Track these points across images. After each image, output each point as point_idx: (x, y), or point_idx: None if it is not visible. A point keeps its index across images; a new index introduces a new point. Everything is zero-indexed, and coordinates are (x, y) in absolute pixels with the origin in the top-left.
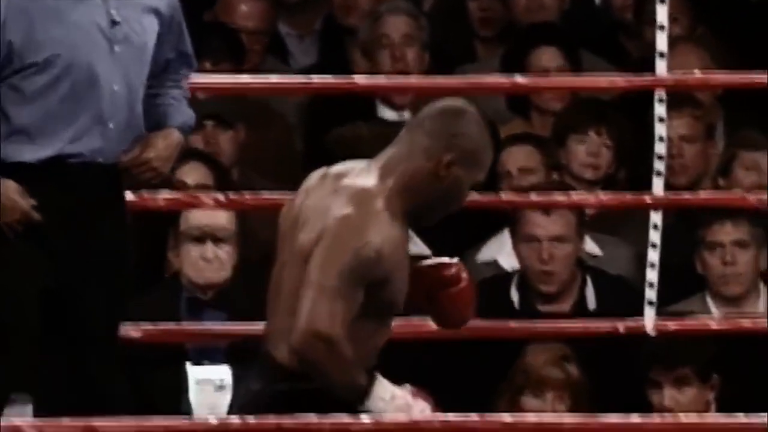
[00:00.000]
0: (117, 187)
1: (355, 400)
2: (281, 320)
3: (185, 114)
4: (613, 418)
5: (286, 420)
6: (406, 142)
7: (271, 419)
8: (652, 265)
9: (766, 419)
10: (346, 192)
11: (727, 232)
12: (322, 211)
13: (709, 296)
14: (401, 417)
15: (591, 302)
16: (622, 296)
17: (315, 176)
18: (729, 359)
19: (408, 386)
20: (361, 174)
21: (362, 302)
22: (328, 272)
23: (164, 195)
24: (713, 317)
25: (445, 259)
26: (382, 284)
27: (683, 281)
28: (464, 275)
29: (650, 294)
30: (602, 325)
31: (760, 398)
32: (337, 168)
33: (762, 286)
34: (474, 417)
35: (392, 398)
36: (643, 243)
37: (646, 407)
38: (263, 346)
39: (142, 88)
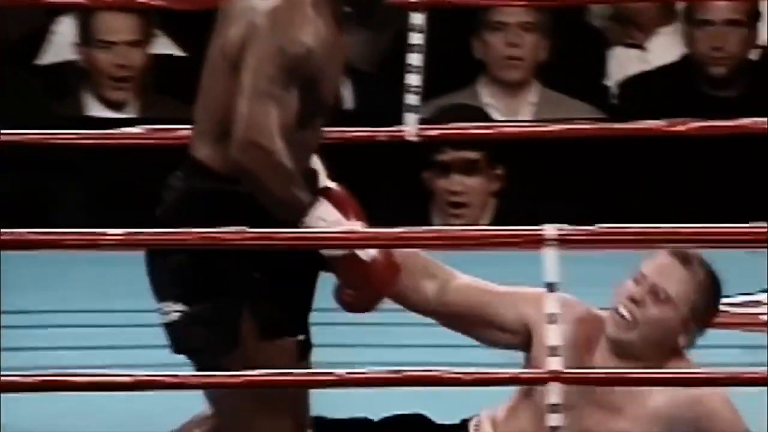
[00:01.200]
0: None
1: (294, 216)
2: (203, 121)
3: None
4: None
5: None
6: None
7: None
8: (414, 68)
9: (546, 230)
10: None
11: (512, 13)
12: (249, 6)
13: (483, 86)
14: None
15: (348, 102)
16: (380, 94)
17: None
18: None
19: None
20: None
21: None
22: (260, 76)
23: None
24: (479, 125)
25: (329, 186)
26: (312, 83)
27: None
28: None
29: (411, 99)
30: (362, 132)
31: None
32: None
33: (535, 80)
34: (247, 230)
35: (336, 221)
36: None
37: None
38: (188, 149)
39: None
